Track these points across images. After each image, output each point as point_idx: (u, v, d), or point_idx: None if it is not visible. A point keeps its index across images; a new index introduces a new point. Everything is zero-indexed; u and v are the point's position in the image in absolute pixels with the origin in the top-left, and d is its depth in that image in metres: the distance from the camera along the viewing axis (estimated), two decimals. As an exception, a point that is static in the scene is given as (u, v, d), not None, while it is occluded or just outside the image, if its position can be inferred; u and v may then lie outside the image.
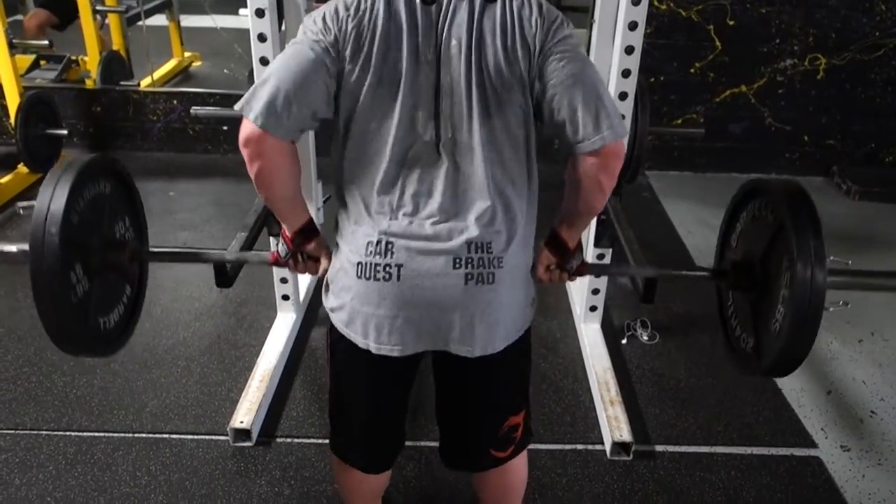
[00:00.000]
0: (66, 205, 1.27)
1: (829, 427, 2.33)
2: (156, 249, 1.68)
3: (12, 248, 1.40)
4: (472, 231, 1.24)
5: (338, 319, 1.34)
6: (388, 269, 1.24)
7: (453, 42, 1.21)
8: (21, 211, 1.34)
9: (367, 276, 1.25)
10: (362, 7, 1.21)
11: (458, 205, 1.25)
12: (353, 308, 1.29)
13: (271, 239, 2.42)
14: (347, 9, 1.22)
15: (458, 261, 1.23)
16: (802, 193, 1.36)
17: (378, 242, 1.25)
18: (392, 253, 1.24)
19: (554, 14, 1.25)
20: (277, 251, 1.50)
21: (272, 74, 1.18)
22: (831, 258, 1.29)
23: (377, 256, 1.25)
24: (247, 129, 1.17)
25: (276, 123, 1.17)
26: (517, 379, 1.49)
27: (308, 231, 1.42)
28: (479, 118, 1.22)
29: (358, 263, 1.26)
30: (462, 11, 1.21)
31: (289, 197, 1.33)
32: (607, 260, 2.51)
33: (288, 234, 1.44)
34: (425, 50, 1.22)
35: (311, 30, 1.23)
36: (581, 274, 1.52)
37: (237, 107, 1.19)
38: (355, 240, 1.28)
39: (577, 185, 1.27)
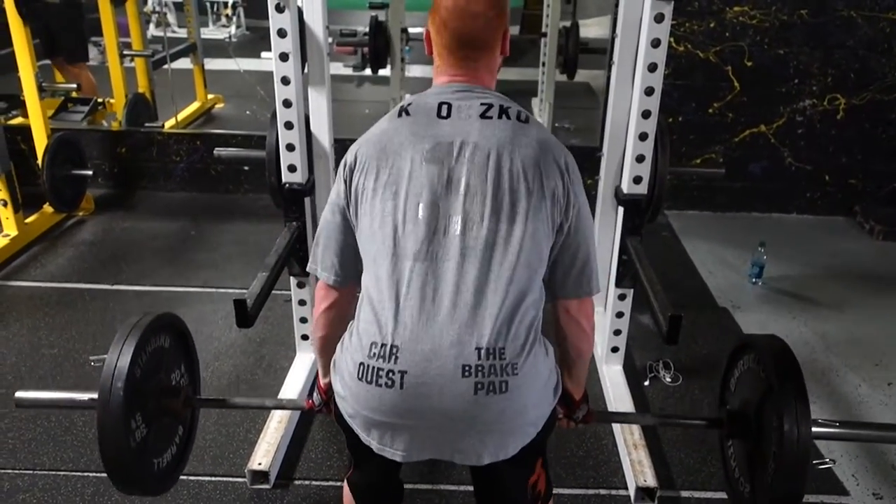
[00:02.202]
0: (131, 361, 1.46)
1: (861, 474, 2.26)
2: (206, 398, 1.93)
3: (84, 396, 1.57)
4: (485, 336, 1.17)
5: (342, 407, 1.29)
6: (390, 375, 1.17)
7: (480, 150, 1.24)
8: (93, 363, 1.52)
9: (369, 380, 1.19)
10: (370, 132, 1.33)
11: (470, 305, 1.18)
12: (354, 408, 1.25)
13: (291, 279, 2.44)
14: (362, 138, 1.33)
15: (467, 369, 1.16)
16: (788, 353, 1.50)
17: (382, 345, 1.19)
18: (396, 358, 1.17)
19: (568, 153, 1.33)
20: (312, 400, 1.63)
21: (320, 237, 1.38)
22: (818, 420, 1.45)
23: (380, 360, 1.18)
24: (320, 284, 1.39)
25: (339, 276, 1.36)
26: (533, 460, 1.42)
27: None
28: (507, 219, 1.22)
29: (360, 364, 1.21)
30: (492, 127, 1.26)
31: (338, 340, 1.36)
32: (629, 300, 2.49)
33: (322, 383, 1.54)
34: (436, 153, 1.24)
35: (335, 184, 1.36)
36: (587, 422, 1.57)
37: (309, 269, 1.40)
38: (360, 337, 1.23)
39: (563, 330, 1.37)
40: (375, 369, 1.19)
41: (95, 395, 1.46)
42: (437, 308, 1.18)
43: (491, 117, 1.27)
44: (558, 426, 1.48)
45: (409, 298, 1.19)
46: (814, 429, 1.41)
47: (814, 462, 1.47)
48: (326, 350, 1.42)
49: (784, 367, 1.47)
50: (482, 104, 1.28)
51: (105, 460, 1.46)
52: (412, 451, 1.24)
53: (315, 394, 1.59)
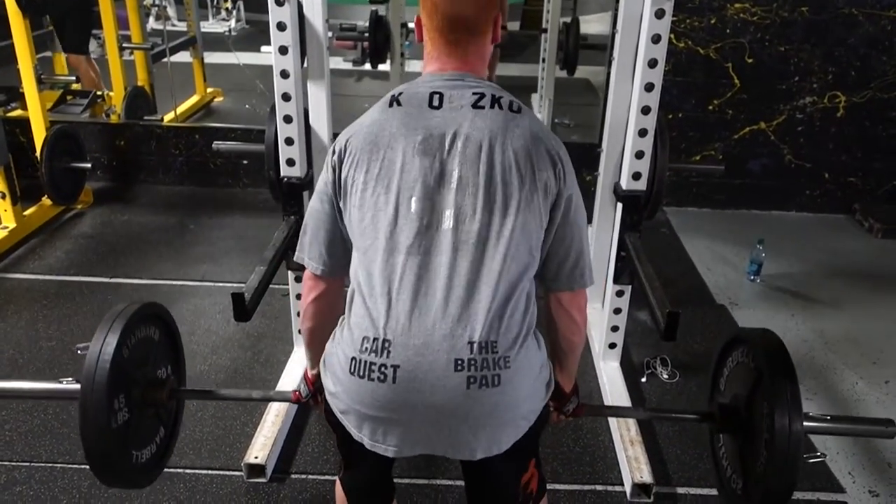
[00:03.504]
0: (120, 337, 1.45)
1: (857, 471, 2.27)
2: (191, 389, 1.88)
3: (69, 378, 1.54)
4: (477, 329, 1.16)
5: (333, 404, 1.29)
6: (383, 369, 1.17)
7: (472, 142, 1.22)
8: (79, 352, 1.48)
9: (361, 374, 1.18)
10: (360, 121, 1.31)
11: (462, 299, 1.17)
12: (346, 404, 1.24)
13: (289, 273, 2.44)
14: (352, 127, 1.31)
15: (459, 363, 1.15)
16: (779, 346, 1.50)
17: (374, 340, 1.18)
18: (388, 352, 1.17)
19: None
20: (299, 391, 1.60)
21: (307, 226, 1.35)
22: (809, 414, 1.45)
23: (372, 354, 1.17)
24: (307, 274, 1.37)
25: (326, 266, 1.34)
26: (526, 457, 1.42)
27: None
28: (500, 212, 1.21)
29: (352, 359, 1.20)
30: (484, 118, 1.24)
31: (327, 331, 1.36)
32: (627, 296, 2.48)
33: (310, 374, 1.52)
34: (428, 146, 1.23)
35: (323, 172, 1.33)
36: (577, 416, 1.58)
37: (296, 258, 1.38)
38: (352, 331, 1.22)
39: (555, 322, 1.36)
40: (368, 363, 1.18)
41: (78, 386, 1.43)
42: (430, 302, 1.18)
43: (483, 107, 1.25)
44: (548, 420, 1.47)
45: (402, 293, 1.18)
46: (805, 423, 1.41)
47: (805, 456, 1.45)
48: (314, 341, 1.42)
49: (776, 360, 1.46)
50: (474, 94, 1.26)
51: (84, 438, 1.41)
52: (404, 447, 1.23)
53: (302, 385, 1.57)
